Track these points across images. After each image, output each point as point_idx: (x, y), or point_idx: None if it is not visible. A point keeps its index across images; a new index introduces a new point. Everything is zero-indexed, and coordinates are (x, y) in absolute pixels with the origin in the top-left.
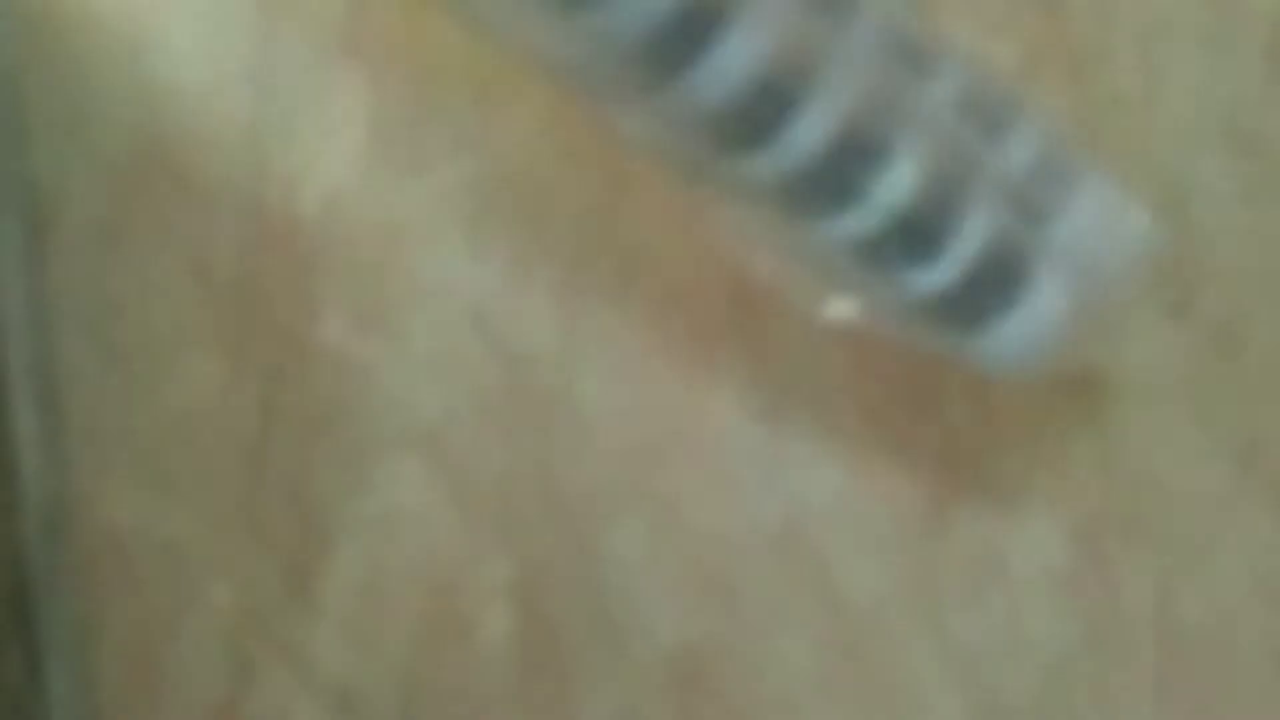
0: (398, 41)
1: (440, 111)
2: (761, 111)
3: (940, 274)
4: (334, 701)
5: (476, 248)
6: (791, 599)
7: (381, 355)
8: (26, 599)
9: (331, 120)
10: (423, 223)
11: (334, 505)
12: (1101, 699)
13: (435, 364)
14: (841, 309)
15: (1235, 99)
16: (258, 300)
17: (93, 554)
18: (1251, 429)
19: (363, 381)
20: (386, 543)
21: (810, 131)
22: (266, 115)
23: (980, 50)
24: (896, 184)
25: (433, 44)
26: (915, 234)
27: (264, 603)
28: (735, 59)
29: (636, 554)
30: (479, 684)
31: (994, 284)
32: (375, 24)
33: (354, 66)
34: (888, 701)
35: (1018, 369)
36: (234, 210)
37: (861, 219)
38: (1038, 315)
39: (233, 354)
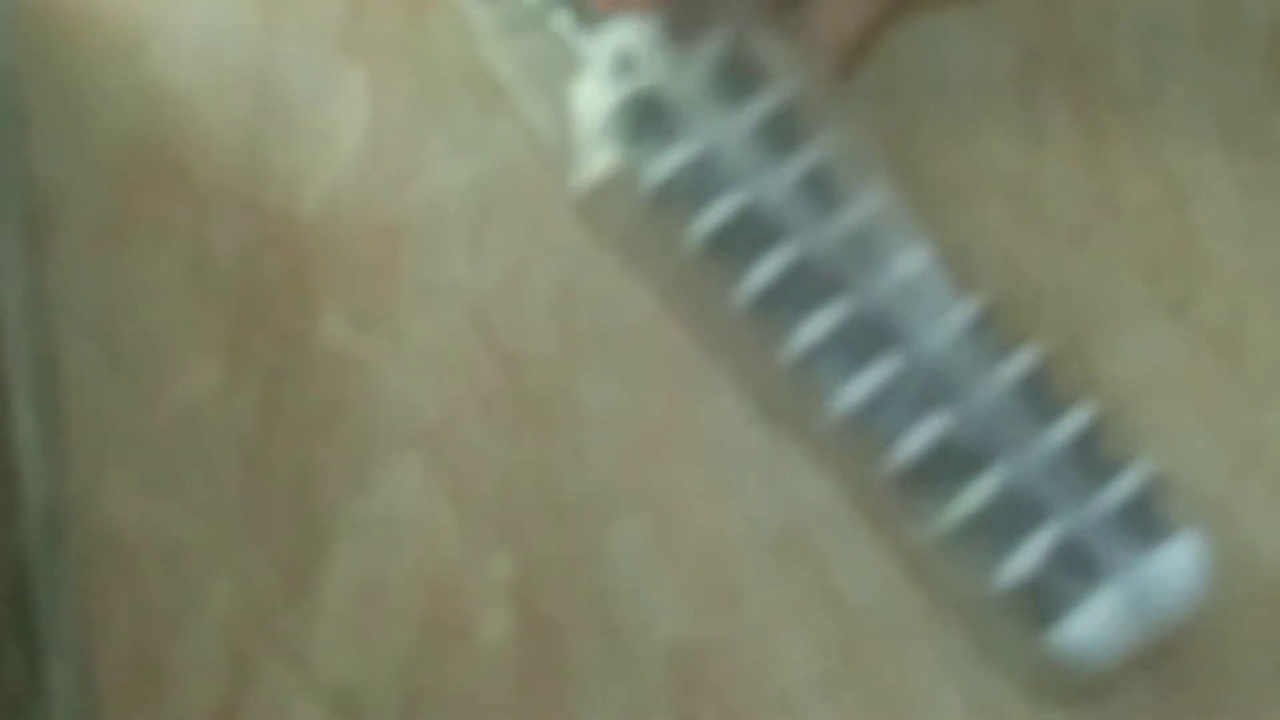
0: (398, 41)
1: (440, 111)
2: (880, 427)
3: (1005, 575)
4: (334, 701)
5: (476, 248)
6: (791, 599)
7: (381, 355)
8: (26, 599)
9: (331, 120)
10: (423, 223)
11: (334, 505)
12: (1101, 699)
13: (435, 364)
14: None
15: (1235, 99)
16: (258, 300)
17: (93, 554)
18: (1251, 429)
19: (363, 381)
20: (386, 543)
21: (914, 443)
22: (266, 115)
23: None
24: (977, 496)
25: (433, 44)
26: (987, 537)
27: (264, 603)
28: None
29: (636, 554)
30: (479, 684)
31: (1057, 592)
32: (375, 24)
33: (354, 66)
34: (888, 701)
35: (1074, 667)
36: (234, 210)
37: (950, 516)
38: (1096, 626)
39: (233, 354)
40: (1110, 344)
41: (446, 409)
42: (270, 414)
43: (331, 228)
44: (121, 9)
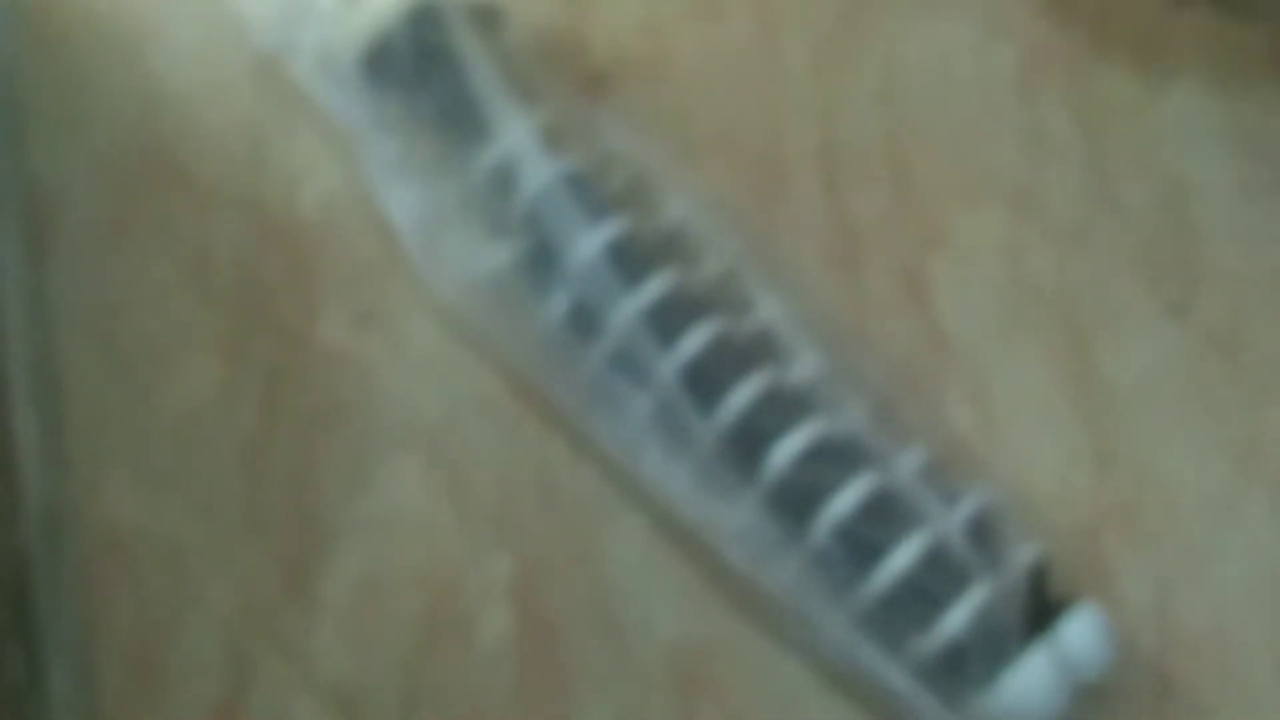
0: None
1: None
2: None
3: (931, 641)
4: (334, 701)
5: None
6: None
7: (381, 355)
8: (26, 599)
9: (331, 120)
10: None
11: (334, 505)
12: (1101, 699)
13: (435, 364)
14: None
15: (1235, 100)
16: (258, 300)
17: (93, 554)
18: (1251, 429)
19: (363, 381)
20: (386, 543)
21: (831, 521)
22: (266, 115)
23: (984, 47)
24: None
25: None
26: (911, 608)
27: (264, 603)
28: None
29: (636, 554)
30: (479, 684)
31: (987, 653)
32: None
33: None
34: (888, 701)
35: None
36: (234, 210)
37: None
38: (1027, 684)
39: (233, 354)
40: (1110, 344)
41: (446, 409)
42: (270, 414)
43: (331, 227)
44: (121, 9)
